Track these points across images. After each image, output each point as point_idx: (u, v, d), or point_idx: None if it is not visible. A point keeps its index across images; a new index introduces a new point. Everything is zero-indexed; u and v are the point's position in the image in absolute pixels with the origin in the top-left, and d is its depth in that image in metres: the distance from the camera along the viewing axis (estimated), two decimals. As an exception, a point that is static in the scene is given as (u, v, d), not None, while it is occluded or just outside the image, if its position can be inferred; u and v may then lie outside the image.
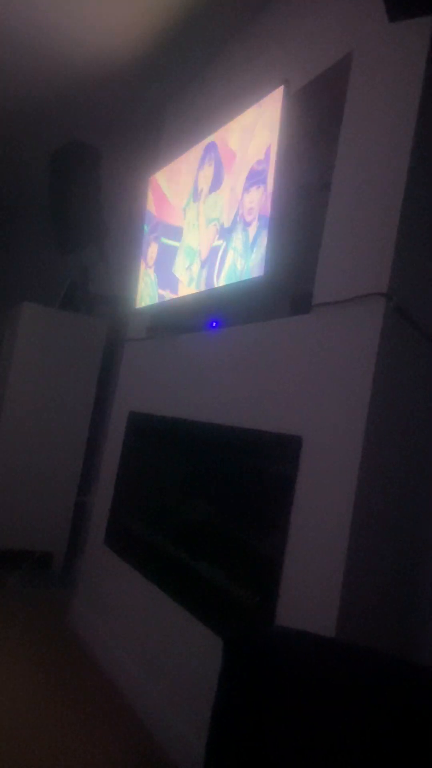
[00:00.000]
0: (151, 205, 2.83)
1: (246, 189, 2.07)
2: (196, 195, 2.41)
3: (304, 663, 0.94)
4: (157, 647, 2.13)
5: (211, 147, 2.35)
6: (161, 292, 2.60)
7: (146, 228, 2.83)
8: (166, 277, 2.56)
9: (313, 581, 1.51)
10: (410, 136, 1.56)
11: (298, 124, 1.98)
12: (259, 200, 1.98)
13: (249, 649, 0.99)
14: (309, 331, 1.75)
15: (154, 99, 3.11)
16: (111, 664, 2.37)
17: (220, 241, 2.18)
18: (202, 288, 2.26)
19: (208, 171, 2.35)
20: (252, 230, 1.99)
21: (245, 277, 1.99)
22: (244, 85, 2.44)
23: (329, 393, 1.61)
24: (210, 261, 2.23)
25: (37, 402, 3.64)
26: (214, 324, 2.32)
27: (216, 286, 2.16)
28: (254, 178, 2.03)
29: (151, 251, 2.75)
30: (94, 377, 3.78)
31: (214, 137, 2.34)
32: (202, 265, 2.28)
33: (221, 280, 2.14)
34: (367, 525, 1.47)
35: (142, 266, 2.80)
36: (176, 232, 2.55)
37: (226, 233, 2.15)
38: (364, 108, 1.76)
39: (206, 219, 2.31)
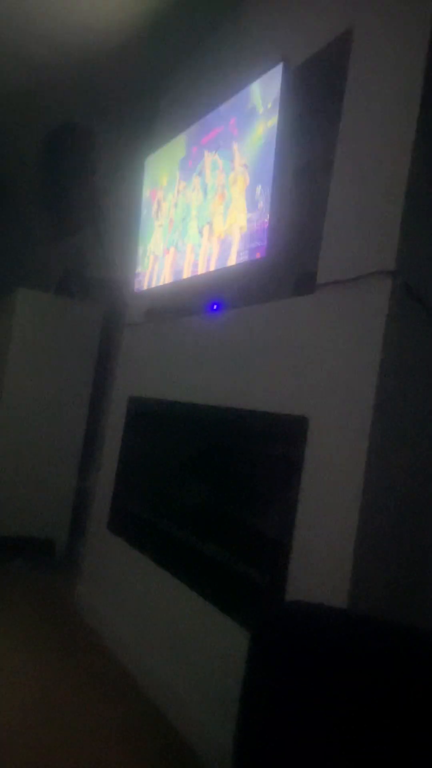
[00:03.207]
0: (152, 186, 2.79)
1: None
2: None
3: (335, 636, 0.95)
4: (164, 628, 2.14)
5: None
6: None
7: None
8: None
9: (322, 560, 1.52)
10: (415, 109, 1.54)
11: (299, 101, 1.96)
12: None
13: (282, 624, 1.00)
14: (313, 311, 1.74)
15: (150, 78, 3.06)
16: (119, 646, 2.38)
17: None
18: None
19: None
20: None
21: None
22: (242, 62, 2.40)
23: (335, 373, 1.60)
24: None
25: (35, 389, 3.62)
26: (215, 306, 2.30)
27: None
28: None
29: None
30: (91, 363, 3.76)
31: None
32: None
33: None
34: (376, 502, 1.47)
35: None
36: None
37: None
38: (366, 83, 1.73)
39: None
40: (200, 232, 2.31)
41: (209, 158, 2.30)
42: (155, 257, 2.65)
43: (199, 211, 2.34)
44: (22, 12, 2.66)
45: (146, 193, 2.81)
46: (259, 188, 1.97)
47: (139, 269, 2.80)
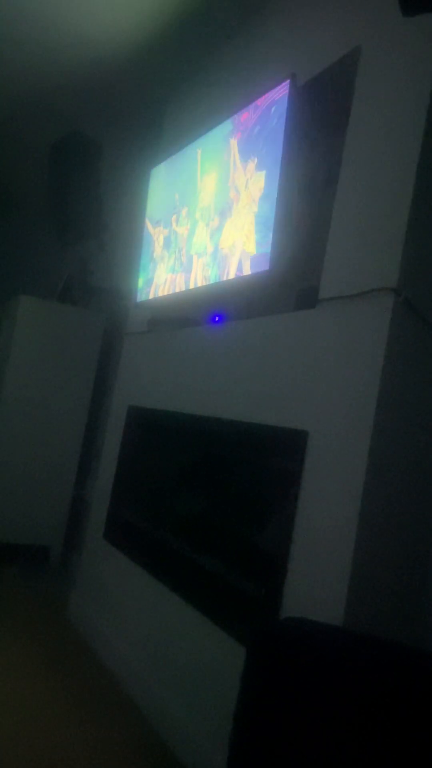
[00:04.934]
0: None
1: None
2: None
3: (331, 654, 0.94)
4: (158, 640, 2.13)
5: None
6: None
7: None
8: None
9: (319, 575, 1.51)
10: (420, 128, 1.55)
11: (305, 117, 1.98)
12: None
13: (277, 641, 0.99)
14: (315, 325, 1.74)
15: (156, 91, 3.09)
16: (111, 657, 2.37)
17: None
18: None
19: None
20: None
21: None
22: (249, 77, 2.42)
23: (336, 388, 1.61)
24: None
25: (34, 396, 3.62)
26: (217, 318, 2.31)
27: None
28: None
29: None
30: (91, 371, 3.77)
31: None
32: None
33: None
34: (374, 518, 1.47)
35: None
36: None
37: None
38: (372, 101, 1.75)
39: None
40: (205, 245, 2.32)
41: (215, 171, 2.31)
42: (157, 267, 2.66)
43: (204, 223, 2.35)
44: (28, 22, 2.69)
45: (151, 205, 2.82)
46: (264, 202, 1.98)
47: (141, 278, 2.80)
